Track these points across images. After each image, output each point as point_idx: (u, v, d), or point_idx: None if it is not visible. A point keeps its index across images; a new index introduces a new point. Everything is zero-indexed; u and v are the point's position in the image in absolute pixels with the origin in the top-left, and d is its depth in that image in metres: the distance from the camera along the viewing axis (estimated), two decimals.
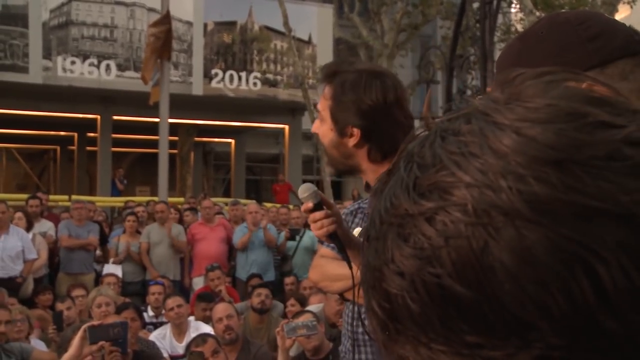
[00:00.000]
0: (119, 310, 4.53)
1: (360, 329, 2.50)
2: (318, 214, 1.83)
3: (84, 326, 3.13)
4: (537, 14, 11.57)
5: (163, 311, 5.73)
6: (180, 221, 8.35)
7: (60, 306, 5.38)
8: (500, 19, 12.15)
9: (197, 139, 16.38)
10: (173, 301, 4.87)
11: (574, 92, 0.43)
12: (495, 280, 0.40)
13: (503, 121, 0.42)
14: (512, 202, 0.40)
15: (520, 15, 13.81)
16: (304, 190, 1.86)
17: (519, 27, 14.78)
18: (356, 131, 1.74)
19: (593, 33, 0.98)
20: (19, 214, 7.20)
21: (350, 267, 1.92)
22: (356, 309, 2.48)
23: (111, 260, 7.63)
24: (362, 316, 1.75)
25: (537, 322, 0.39)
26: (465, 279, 0.40)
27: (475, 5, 11.61)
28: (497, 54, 12.42)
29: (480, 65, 10.34)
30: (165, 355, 4.47)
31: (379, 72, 1.80)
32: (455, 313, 0.41)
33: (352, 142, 1.75)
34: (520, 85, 0.45)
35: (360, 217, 2.62)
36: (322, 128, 1.80)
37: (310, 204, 1.85)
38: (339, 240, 1.85)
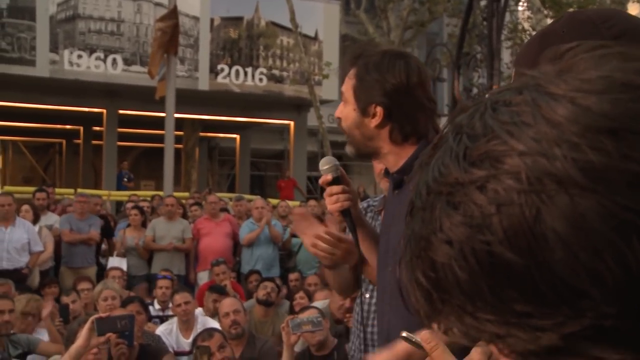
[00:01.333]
0: (124, 303, 4.54)
1: (370, 328, 2.51)
2: (335, 188, 1.84)
3: (92, 318, 3.15)
4: (545, 12, 11.54)
5: (170, 305, 5.75)
6: (185, 216, 8.36)
7: (65, 299, 5.40)
8: (507, 17, 12.12)
9: (202, 134, 16.40)
10: (181, 297, 4.88)
11: (628, 64, 0.44)
12: (547, 247, 0.40)
13: (557, 91, 0.43)
14: (566, 169, 0.40)
15: (527, 13, 13.78)
16: (326, 162, 1.87)
17: (526, 26, 14.74)
18: (379, 110, 1.73)
19: (617, 31, 0.97)
20: (26, 207, 7.22)
21: (358, 247, 1.93)
22: (365, 307, 2.48)
23: (115, 253, 7.65)
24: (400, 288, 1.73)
25: (589, 290, 0.39)
26: (517, 247, 0.41)
27: (483, 3, 11.57)
28: (504, 52, 12.41)
29: (487, 63, 10.31)
30: (170, 351, 4.49)
31: (403, 54, 1.80)
32: (505, 281, 0.41)
33: (374, 122, 1.74)
34: (572, 58, 0.45)
35: (370, 215, 2.62)
36: (345, 109, 1.80)
37: (329, 177, 1.85)
38: (351, 218, 1.85)
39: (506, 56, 14.71)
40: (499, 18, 10.10)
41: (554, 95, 0.43)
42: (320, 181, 1.88)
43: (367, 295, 2.49)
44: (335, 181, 1.84)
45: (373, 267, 1.99)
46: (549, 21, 11.74)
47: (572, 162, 0.40)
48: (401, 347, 1.56)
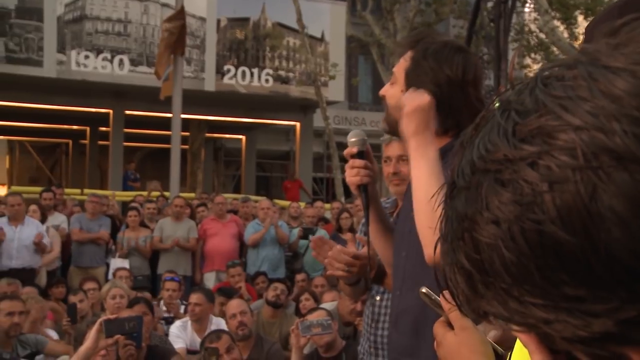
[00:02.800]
0: (131, 304, 4.53)
1: (380, 332, 2.50)
2: (358, 162, 1.83)
3: (100, 319, 3.15)
4: (552, 14, 11.51)
5: (182, 306, 5.74)
6: (193, 217, 8.37)
7: (72, 299, 5.41)
8: (513, 18, 12.09)
9: (208, 134, 16.41)
10: (195, 297, 4.84)
11: None
12: (604, 227, 0.38)
13: (616, 65, 0.41)
14: (626, 145, 0.38)
15: (534, 15, 13.75)
16: (354, 135, 1.86)
17: (533, 27, 14.71)
18: None
19: None
20: (33, 207, 7.26)
21: (368, 226, 1.92)
22: (376, 310, 2.47)
23: (117, 254, 7.66)
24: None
25: None
26: (570, 226, 0.38)
27: (490, 4, 11.53)
28: (510, 54, 12.36)
29: (494, 65, 10.29)
30: (183, 346, 4.48)
31: (464, 48, 1.78)
32: (556, 262, 0.39)
33: None
34: (630, 32, 0.44)
35: None
36: (392, 89, 1.77)
37: (354, 149, 1.84)
38: (366, 195, 1.84)
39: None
40: (506, 20, 10.07)
41: (613, 68, 0.41)
42: (345, 152, 1.87)
43: (378, 298, 2.48)
44: (359, 155, 1.84)
45: (378, 249, 1.97)
46: (556, 23, 11.70)
47: (632, 137, 0.38)
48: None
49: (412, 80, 1.72)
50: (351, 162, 1.84)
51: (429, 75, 1.70)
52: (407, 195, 1.86)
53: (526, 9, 15.04)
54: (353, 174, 1.83)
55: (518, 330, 0.42)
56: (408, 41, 1.81)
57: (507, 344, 0.94)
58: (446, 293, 1.07)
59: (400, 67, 1.76)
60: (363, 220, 2.57)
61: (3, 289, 5.23)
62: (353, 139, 1.85)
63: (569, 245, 0.38)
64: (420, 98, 1.63)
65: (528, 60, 16.22)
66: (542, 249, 0.39)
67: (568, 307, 0.39)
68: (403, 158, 2.29)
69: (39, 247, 6.67)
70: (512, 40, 13.34)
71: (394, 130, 1.83)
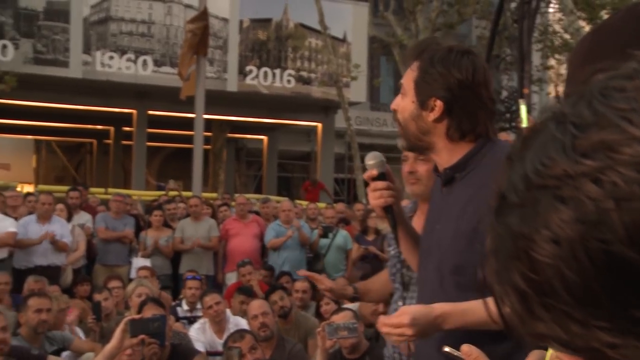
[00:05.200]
0: (141, 305, 4.42)
1: None
2: (380, 184, 1.83)
3: (125, 319, 3.18)
4: (578, 14, 11.38)
5: (198, 306, 5.78)
6: (214, 216, 8.41)
7: (97, 297, 5.46)
8: (537, 19, 11.98)
9: (230, 135, 16.50)
10: (211, 299, 4.87)
11: None
12: None
13: None
14: None
15: (559, 15, 13.61)
16: (372, 157, 1.85)
17: (557, 28, 14.56)
18: (439, 104, 1.70)
19: None
20: (60, 206, 7.37)
21: (398, 245, 1.92)
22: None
23: (140, 253, 7.73)
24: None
25: None
26: None
27: (513, 4, 11.45)
28: (534, 55, 12.22)
29: (517, 66, 10.22)
30: (203, 349, 4.51)
31: (470, 51, 1.77)
32: (624, 284, 0.37)
33: (432, 115, 1.71)
34: None
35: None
36: (403, 101, 1.77)
37: (374, 172, 1.84)
38: (393, 215, 1.84)
39: (536, 59, 14.55)
40: (530, 20, 10.00)
41: None
42: (365, 175, 1.87)
43: (400, 303, 2.48)
44: (380, 177, 1.84)
45: (412, 266, 1.99)
46: (581, 23, 11.58)
47: None
48: (439, 306, 1.60)
49: (422, 89, 1.72)
50: (373, 185, 1.84)
51: (438, 82, 1.70)
52: (432, 206, 1.86)
53: (550, 9, 14.90)
54: (376, 196, 1.82)
55: (574, 354, 0.41)
56: (413, 52, 1.81)
57: None
58: (465, 346, 1.06)
59: (409, 77, 1.76)
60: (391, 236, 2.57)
61: (30, 286, 5.33)
62: (371, 162, 1.84)
63: (639, 266, 0.37)
64: (400, 320, 1.60)
65: (552, 62, 16.06)
66: (608, 270, 0.37)
67: (636, 331, 0.38)
68: (420, 157, 2.28)
69: (57, 246, 6.75)
70: (535, 41, 13.23)
71: (411, 145, 1.82)
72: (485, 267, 0.45)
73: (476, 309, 1.54)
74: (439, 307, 1.60)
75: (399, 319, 1.58)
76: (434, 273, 1.75)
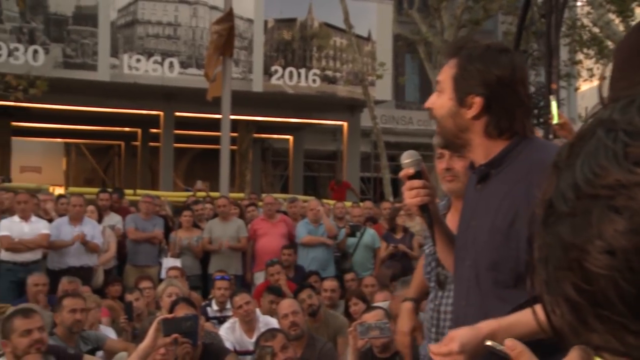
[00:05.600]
0: (173, 305, 4.48)
1: (441, 337, 2.49)
2: (416, 182, 1.83)
3: (158, 319, 3.21)
4: (607, 7, 11.20)
5: (228, 306, 5.82)
6: (242, 216, 8.46)
7: (129, 297, 5.53)
8: (565, 13, 11.81)
9: (255, 135, 16.58)
10: (241, 298, 4.88)
11: None
12: None
13: None
14: None
15: (587, 8, 13.40)
16: (408, 156, 1.86)
17: (586, 22, 14.35)
18: (477, 100, 1.70)
19: None
20: (91, 207, 7.50)
21: (434, 244, 1.91)
22: (436, 315, 2.46)
23: (169, 254, 7.80)
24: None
25: None
26: None
27: None
28: (562, 50, 12.03)
29: (544, 61, 10.08)
30: (232, 348, 4.53)
31: (507, 49, 1.78)
32: None
33: (470, 113, 1.71)
34: None
35: None
36: (440, 99, 1.77)
37: (411, 171, 1.84)
38: (429, 214, 1.84)
39: (564, 53, 14.34)
40: (558, 14, 9.86)
41: None
42: (401, 174, 1.87)
43: (437, 303, 2.47)
44: (416, 175, 1.84)
45: (448, 266, 1.98)
46: (611, 16, 11.39)
47: None
48: (485, 325, 1.57)
49: (461, 86, 1.72)
50: (409, 183, 1.84)
51: (477, 79, 1.69)
52: (466, 203, 1.85)
53: (578, 3, 14.68)
54: (413, 195, 1.83)
55: None
56: (450, 49, 1.81)
57: None
58: (509, 341, 1.05)
59: (446, 75, 1.75)
60: (426, 235, 2.56)
61: (64, 287, 5.41)
62: (407, 160, 1.84)
63: None
64: (450, 347, 1.59)
65: (580, 56, 15.83)
66: None
67: None
68: (456, 154, 2.27)
69: (88, 247, 6.85)
70: (563, 35, 13.05)
71: (448, 142, 1.82)
72: (533, 276, 0.44)
73: (522, 321, 1.52)
74: (486, 326, 1.58)
75: (448, 347, 1.58)
76: (470, 270, 1.75)
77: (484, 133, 1.72)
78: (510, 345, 1.04)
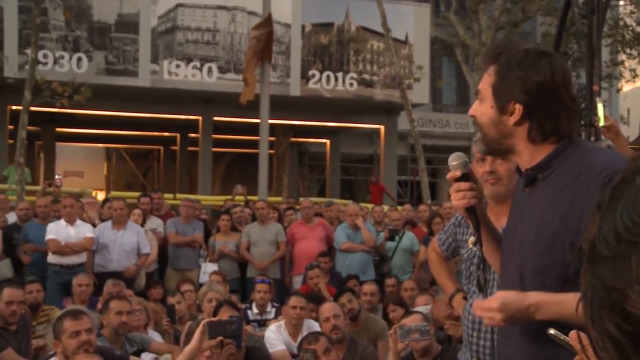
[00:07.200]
0: (216, 308, 4.52)
1: (482, 342, 2.47)
2: (463, 184, 1.85)
3: (204, 322, 3.26)
4: None
5: (268, 309, 5.85)
6: (280, 220, 8.50)
7: (171, 300, 5.61)
8: (607, 13, 11.59)
9: (293, 139, 16.65)
10: (298, 301, 4.86)
11: None
12: None
13: None
14: None
15: (630, 8, 13.13)
16: (455, 158, 1.87)
17: (629, 21, 14.05)
18: (518, 107, 1.69)
19: None
20: (137, 211, 7.64)
21: (481, 246, 1.92)
22: (477, 318, 2.45)
23: (207, 258, 7.88)
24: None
25: None
26: None
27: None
28: (603, 51, 11.80)
29: (586, 63, 9.90)
30: (283, 347, 4.56)
31: (547, 52, 1.77)
32: None
33: (512, 119, 1.71)
34: None
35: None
36: (482, 107, 1.77)
37: (458, 173, 1.85)
38: (476, 216, 1.85)
39: (605, 54, 14.07)
40: (599, 14, 9.68)
41: None
42: (449, 176, 1.89)
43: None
44: (463, 177, 1.85)
45: (494, 267, 1.98)
46: None
47: None
48: (534, 295, 1.60)
49: (501, 94, 1.71)
50: (456, 185, 1.85)
51: (516, 86, 1.69)
52: (514, 206, 1.85)
53: (621, 2, 14.39)
54: (460, 197, 1.84)
55: None
56: (488, 56, 1.80)
57: None
58: (573, 333, 1.04)
59: (486, 83, 1.75)
60: (471, 239, 2.55)
61: (109, 289, 5.53)
62: (455, 162, 1.85)
63: None
64: (491, 303, 1.64)
65: (623, 56, 15.50)
66: None
67: None
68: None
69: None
70: (604, 35, 12.80)
71: (492, 149, 1.83)
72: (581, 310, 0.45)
73: (573, 302, 1.51)
74: (534, 296, 1.61)
75: (490, 303, 1.62)
76: (515, 273, 1.75)
77: (528, 138, 1.71)
78: (576, 336, 1.03)
